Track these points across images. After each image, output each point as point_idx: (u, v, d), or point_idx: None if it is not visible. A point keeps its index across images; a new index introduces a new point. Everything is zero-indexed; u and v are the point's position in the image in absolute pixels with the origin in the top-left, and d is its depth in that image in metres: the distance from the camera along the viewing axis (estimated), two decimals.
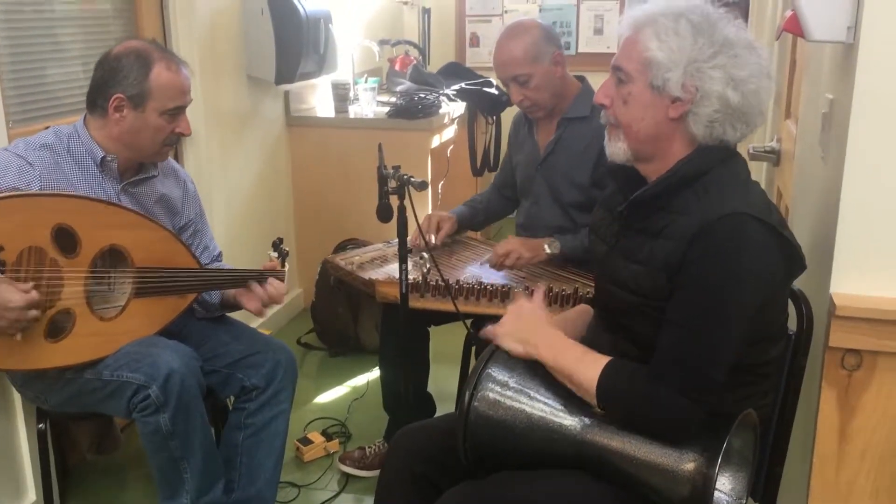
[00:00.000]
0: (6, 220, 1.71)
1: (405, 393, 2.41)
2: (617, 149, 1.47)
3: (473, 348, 2.44)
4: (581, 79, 2.45)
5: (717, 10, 1.40)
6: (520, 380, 1.48)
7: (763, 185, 2.70)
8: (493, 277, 2.30)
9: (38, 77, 2.41)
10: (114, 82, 1.88)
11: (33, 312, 1.70)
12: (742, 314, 1.33)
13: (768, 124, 2.77)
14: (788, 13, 1.52)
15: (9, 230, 1.71)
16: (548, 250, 2.32)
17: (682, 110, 1.38)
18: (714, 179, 1.40)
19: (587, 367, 1.41)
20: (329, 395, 3.13)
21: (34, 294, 1.70)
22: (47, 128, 1.99)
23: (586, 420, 1.42)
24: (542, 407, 1.44)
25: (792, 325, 1.53)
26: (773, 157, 2.35)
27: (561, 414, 1.43)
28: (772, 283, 1.37)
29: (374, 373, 3.21)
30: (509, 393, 1.46)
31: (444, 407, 2.71)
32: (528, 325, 1.51)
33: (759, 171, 2.81)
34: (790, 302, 1.51)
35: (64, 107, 2.49)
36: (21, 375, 1.95)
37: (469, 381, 1.49)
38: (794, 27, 1.47)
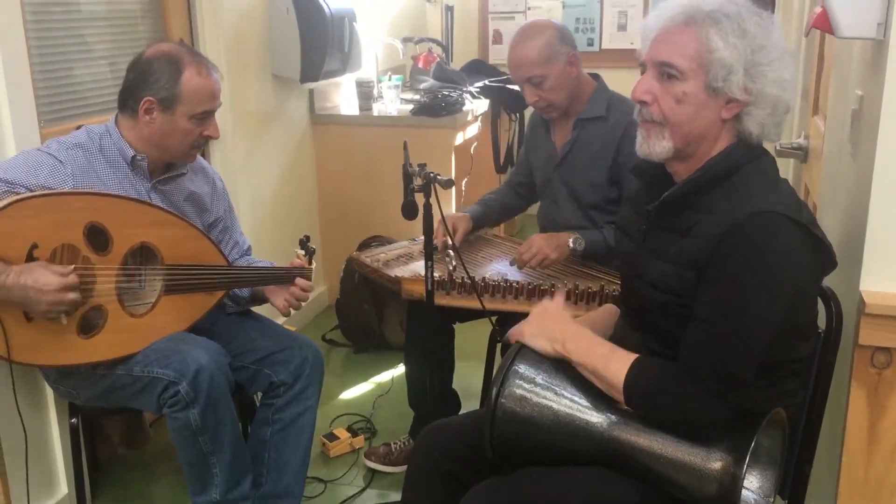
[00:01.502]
0: (40, 218, 1.74)
1: (430, 390, 2.43)
2: (660, 147, 1.43)
3: (498, 346, 2.45)
4: (596, 77, 2.44)
5: (765, 12, 1.40)
6: (546, 377, 1.48)
7: (790, 183, 2.69)
8: (518, 274, 2.30)
9: (68, 77, 2.44)
10: (145, 85, 1.90)
11: (72, 295, 1.72)
12: (771, 312, 1.33)
13: (795, 121, 2.74)
14: (817, 9, 1.51)
15: (43, 229, 1.74)
16: (572, 246, 2.32)
17: (735, 111, 1.39)
18: (744, 178, 1.39)
19: (614, 364, 1.41)
20: (354, 392, 3.15)
21: (73, 277, 1.71)
22: (79, 127, 2.02)
23: (613, 417, 1.42)
24: (569, 403, 1.45)
25: (821, 322, 1.52)
26: (801, 154, 2.33)
27: (587, 411, 1.44)
28: (802, 280, 1.36)
29: (399, 369, 3.23)
30: (536, 389, 1.47)
31: (469, 404, 2.72)
32: (555, 323, 1.52)
33: (786, 168, 2.79)
34: (819, 300, 1.50)
35: (93, 106, 2.52)
36: (54, 371, 1.98)
37: (496, 377, 1.50)
38: (824, 24, 1.46)
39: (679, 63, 1.39)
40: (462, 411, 2.66)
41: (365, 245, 3.49)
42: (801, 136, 2.47)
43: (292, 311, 2.15)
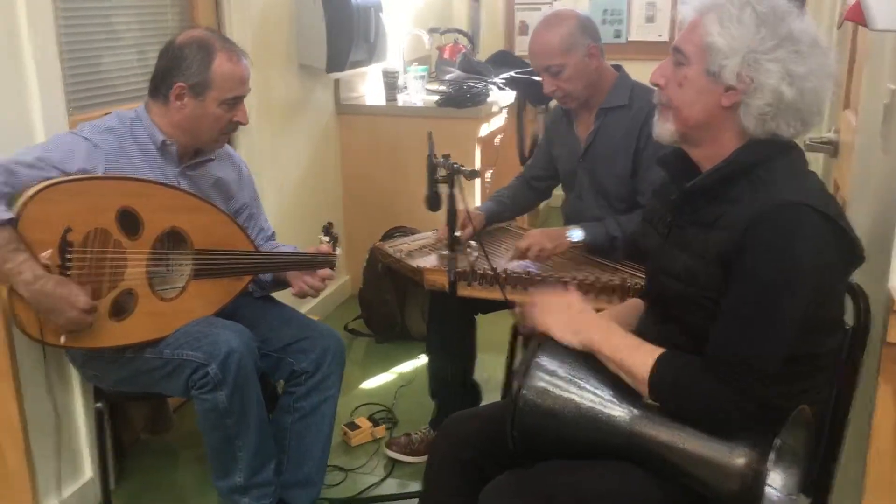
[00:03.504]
0: (75, 202, 1.77)
1: (451, 381, 2.44)
2: (665, 130, 1.46)
3: (520, 338, 2.45)
4: (618, 68, 2.43)
5: (787, 3, 1.37)
6: (569, 369, 1.47)
7: (821, 178, 2.66)
8: (540, 267, 2.29)
9: (97, 65, 2.47)
10: (177, 71, 1.92)
11: (90, 317, 1.78)
12: (797, 306, 1.31)
13: (826, 115, 2.71)
14: (851, 1, 1.49)
15: (76, 213, 1.77)
16: (571, 239, 2.31)
17: (734, 100, 1.37)
18: (770, 170, 1.38)
19: (640, 357, 1.40)
20: (376, 382, 3.17)
21: (94, 302, 1.77)
22: (108, 114, 2.05)
23: (635, 411, 1.41)
24: (591, 397, 1.44)
25: (849, 318, 1.51)
26: (831, 149, 2.30)
27: (610, 404, 1.43)
28: (829, 274, 1.34)
29: (421, 360, 3.24)
30: (559, 382, 1.46)
31: (491, 395, 2.73)
32: (580, 315, 1.51)
33: (815, 163, 2.76)
34: (848, 295, 1.48)
35: (122, 94, 2.54)
36: (82, 354, 2.01)
37: (519, 369, 1.49)
38: (858, 16, 1.45)
39: (685, 48, 1.40)
40: (483, 403, 2.67)
41: (388, 235, 3.50)
42: (832, 130, 2.44)
43: (308, 298, 2.16)
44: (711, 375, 1.33)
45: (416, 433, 2.65)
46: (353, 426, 2.73)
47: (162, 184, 1.91)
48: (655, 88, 1.48)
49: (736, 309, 1.34)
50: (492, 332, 2.69)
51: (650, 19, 5.06)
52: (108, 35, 2.51)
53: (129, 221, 1.83)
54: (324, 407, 2.16)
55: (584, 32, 2.30)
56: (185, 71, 1.91)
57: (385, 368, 3.27)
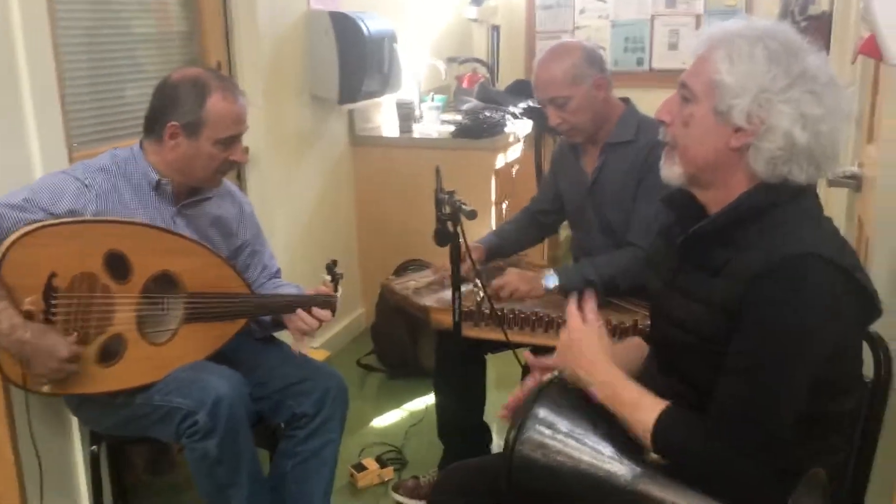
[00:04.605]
0: (61, 246, 1.73)
1: (460, 423, 2.36)
2: (672, 172, 1.38)
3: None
4: (626, 101, 2.35)
5: (801, 39, 1.28)
6: (568, 423, 1.39)
7: (843, 214, 2.55)
8: (548, 307, 2.21)
9: (101, 100, 2.44)
10: (170, 110, 1.89)
11: (73, 366, 1.74)
12: (808, 366, 1.22)
13: (850, 149, 2.61)
14: (865, 35, 1.41)
15: (62, 257, 1.73)
16: (545, 284, 2.25)
17: (744, 141, 1.28)
18: (780, 216, 1.29)
19: (643, 413, 1.32)
20: (387, 419, 3.09)
21: (76, 348, 1.73)
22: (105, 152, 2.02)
23: (638, 469, 1.32)
24: (592, 452, 1.36)
25: (868, 370, 1.40)
26: (854, 184, 2.20)
27: (611, 461, 1.35)
28: (842, 330, 1.25)
29: (433, 397, 3.16)
30: (557, 436, 1.38)
31: (502, 436, 2.63)
32: (583, 356, 1.42)
33: (839, 199, 2.65)
34: (866, 346, 1.38)
35: (126, 130, 2.51)
36: (76, 399, 1.96)
37: (514, 421, 1.42)
38: (872, 50, 1.37)
39: (692, 84, 1.33)
40: (494, 444, 2.58)
41: (402, 269, 3.45)
42: (855, 164, 2.34)
43: (307, 341, 2.09)
44: (717, 440, 1.24)
45: (424, 476, 2.57)
46: (360, 467, 2.66)
47: (153, 226, 1.87)
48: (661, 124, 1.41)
49: (741, 367, 1.25)
50: (503, 369, 2.61)
51: (672, 46, 4.98)
52: (112, 69, 2.50)
53: (118, 265, 1.79)
54: (325, 451, 2.09)
55: (590, 64, 2.23)
56: (179, 110, 1.88)
57: (397, 405, 3.20)
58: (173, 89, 1.90)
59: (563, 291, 2.24)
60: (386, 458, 2.75)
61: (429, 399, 3.18)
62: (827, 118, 1.25)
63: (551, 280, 2.25)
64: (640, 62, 5.05)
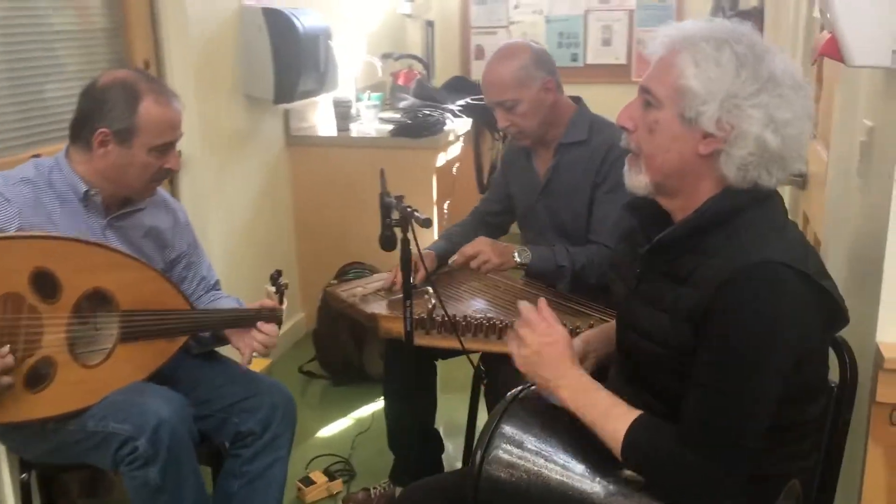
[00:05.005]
0: None
1: (411, 431, 2.30)
2: (637, 181, 1.34)
3: (483, 385, 2.32)
4: (577, 100, 2.32)
5: (762, 41, 1.25)
6: (536, 440, 1.35)
7: (788, 209, 2.57)
8: (501, 312, 2.16)
9: (20, 103, 2.29)
10: (99, 116, 1.76)
11: (6, 379, 1.60)
12: (775, 374, 1.20)
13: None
14: (824, 35, 1.39)
15: None
16: (517, 259, 2.19)
17: (713, 147, 1.25)
18: (746, 221, 1.26)
19: (612, 423, 1.28)
20: (332, 429, 3.00)
21: (9, 358, 1.59)
22: (35, 156, 1.88)
23: (611, 487, 1.29)
24: (562, 471, 1.32)
25: (833, 375, 1.39)
26: (800, 181, 2.22)
27: (583, 479, 1.30)
28: (809, 338, 1.23)
29: (379, 403, 3.08)
30: (525, 454, 1.34)
31: (452, 441, 2.59)
32: (550, 363, 1.37)
33: (783, 195, 2.68)
34: (832, 351, 1.37)
35: (48, 134, 2.36)
36: (2, 426, 1.82)
37: (480, 438, 1.37)
38: (833, 51, 1.35)
39: (655, 89, 1.28)
40: (446, 448, 2.53)
41: (343, 272, 3.36)
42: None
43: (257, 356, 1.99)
44: (688, 451, 1.21)
45: (375, 487, 2.49)
46: (307, 481, 2.57)
47: (82, 241, 1.74)
48: (613, 122, 1.37)
49: (708, 378, 1.22)
50: (451, 371, 2.55)
51: (606, 42, 5.00)
52: (31, 69, 2.34)
53: (46, 283, 1.66)
54: (273, 470, 1.99)
55: (538, 66, 2.19)
56: (108, 115, 1.75)
57: (342, 413, 3.11)
58: (102, 93, 1.77)
59: (532, 271, 2.19)
60: (334, 469, 2.66)
61: (375, 406, 3.11)
62: (794, 121, 1.23)
63: (524, 255, 2.18)
64: (574, 58, 5.06)
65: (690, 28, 1.28)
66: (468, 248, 2.20)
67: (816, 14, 2.08)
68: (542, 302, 1.44)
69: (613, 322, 1.62)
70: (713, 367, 1.22)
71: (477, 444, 1.36)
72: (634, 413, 1.28)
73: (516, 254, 2.20)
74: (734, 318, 1.19)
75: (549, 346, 1.38)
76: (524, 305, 1.44)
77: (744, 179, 1.25)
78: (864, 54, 1.31)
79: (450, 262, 2.27)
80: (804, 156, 1.27)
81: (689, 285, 1.26)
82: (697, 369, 1.23)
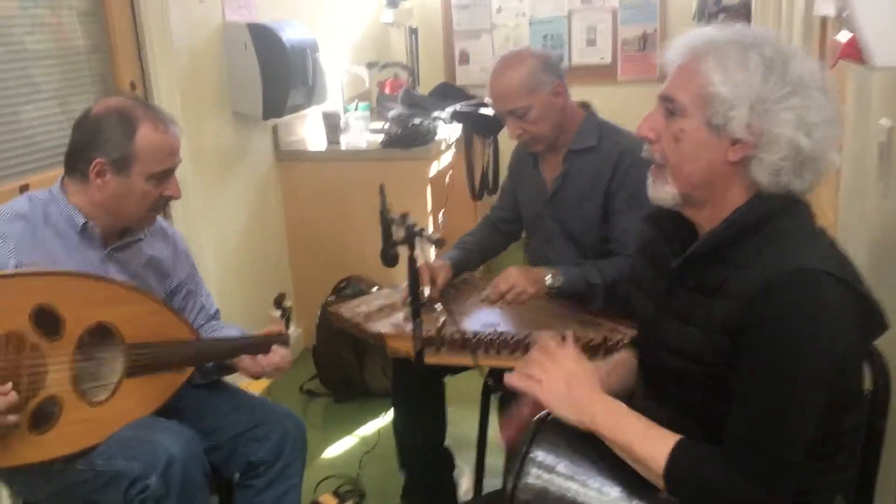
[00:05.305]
0: None
1: (421, 450, 2.25)
2: (664, 193, 1.30)
3: (493, 398, 2.28)
4: (586, 106, 2.29)
5: (790, 45, 1.23)
6: (568, 463, 1.31)
7: None
8: (511, 326, 2.11)
9: (8, 124, 2.22)
10: (94, 146, 1.70)
11: (12, 417, 1.54)
12: (818, 385, 1.17)
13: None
14: (844, 37, 1.37)
15: None
16: (549, 283, 2.14)
17: (743, 154, 1.22)
18: (778, 230, 1.23)
19: (651, 448, 1.24)
20: (338, 448, 2.95)
21: (13, 396, 1.53)
22: (23, 189, 1.82)
23: None
24: (596, 496, 1.28)
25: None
26: None
27: (618, 503, 1.27)
28: (850, 345, 1.20)
29: (384, 419, 3.05)
30: (558, 480, 1.30)
31: (463, 456, 2.54)
32: (583, 392, 1.32)
33: None
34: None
35: (34, 162, 2.30)
36: (5, 469, 1.76)
37: (512, 466, 1.32)
38: (854, 53, 1.32)
39: (679, 97, 1.25)
40: (456, 465, 2.48)
41: (340, 287, 3.31)
42: None
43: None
44: (733, 469, 1.18)
45: None
46: None
47: (83, 275, 1.68)
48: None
49: (749, 392, 1.19)
50: (457, 384, 2.50)
51: (591, 43, 4.97)
52: (11, 91, 2.27)
53: (48, 321, 1.60)
54: (287, 498, 1.95)
55: (547, 70, 2.15)
56: (105, 145, 1.69)
57: (347, 431, 3.06)
58: (96, 123, 1.71)
59: (564, 293, 2.14)
60: (343, 491, 2.61)
61: (381, 422, 3.06)
62: (823, 124, 1.21)
63: (556, 280, 2.13)
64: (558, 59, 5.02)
65: (713, 34, 1.26)
66: (502, 284, 2.14)
67: (817, 12, 2.05)
68: (570, 335, 1.40)
69: (619, 355, 1.58)
70: (752, 380, 1.19)
71: (509, 471, 1.32)
72: (674, 437, 1.24)
73: (549, 278, 2.14)
74: (772, 327, 1.17)
75: (575, 376, 1.34)
76: (545, 336, 1.40)
77: (777, 184, 1.22)
78: (886, 55, 1.28)
79: (481, 298, 2.20)
80: (834, 160, 1.25)
81: (722, 297, 1.23)
82: (739, 384, 1.20)
